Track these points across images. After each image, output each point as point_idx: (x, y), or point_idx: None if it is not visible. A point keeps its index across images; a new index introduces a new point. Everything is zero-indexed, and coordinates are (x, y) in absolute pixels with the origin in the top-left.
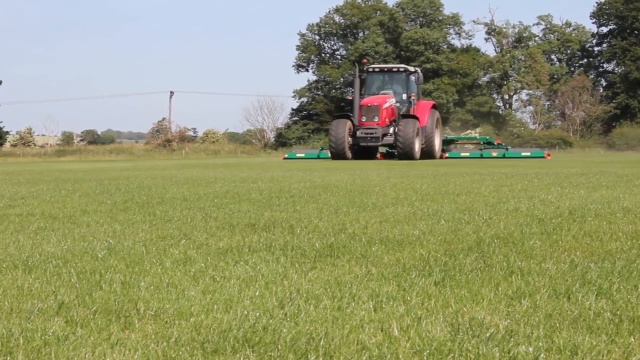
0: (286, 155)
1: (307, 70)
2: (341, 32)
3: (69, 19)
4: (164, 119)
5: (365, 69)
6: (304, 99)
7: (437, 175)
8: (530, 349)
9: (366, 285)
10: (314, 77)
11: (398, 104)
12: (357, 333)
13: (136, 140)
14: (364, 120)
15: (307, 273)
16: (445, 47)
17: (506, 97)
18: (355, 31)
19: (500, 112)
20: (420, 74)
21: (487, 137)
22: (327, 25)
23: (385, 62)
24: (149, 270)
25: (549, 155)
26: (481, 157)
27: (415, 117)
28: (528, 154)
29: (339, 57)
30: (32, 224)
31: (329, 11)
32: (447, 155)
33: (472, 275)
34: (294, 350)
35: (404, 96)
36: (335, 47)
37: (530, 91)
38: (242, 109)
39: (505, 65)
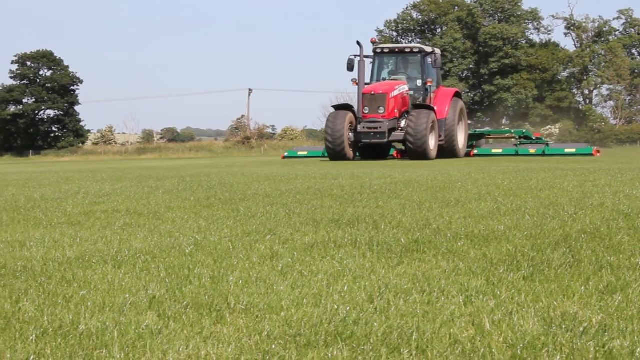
0: (286, 154)
1: None
2: (419, 28)
3: (148, 18)
4: (242, 116)
5: (372, 49)
6: None
7: (518, 170)
8: (626, 344)
9: (455, 279)
10: None
11: (411, 92)
12: (449, 327)
13: (215, 137)
14: (366, 112)
15: (394, 268)
16: (524, 42)
17: (586, 92)
18: (433, 27)
19: (581, 107)
20: (439, 56)
21: (524, 131)
22: (404, 22)
23: (463, 57)
24: (236, 265)
25: (598, 152)
26: (516, 154)
27: (430, 108)
28: (573, 150)
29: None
30: (118, 220)
31: (407, 7)
32: (475, 152)
33: (562, 270)
34: (386, 344)
35: (419, 82)
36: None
37: (611, 86)
38: (321, 106)
39: (585, 60)
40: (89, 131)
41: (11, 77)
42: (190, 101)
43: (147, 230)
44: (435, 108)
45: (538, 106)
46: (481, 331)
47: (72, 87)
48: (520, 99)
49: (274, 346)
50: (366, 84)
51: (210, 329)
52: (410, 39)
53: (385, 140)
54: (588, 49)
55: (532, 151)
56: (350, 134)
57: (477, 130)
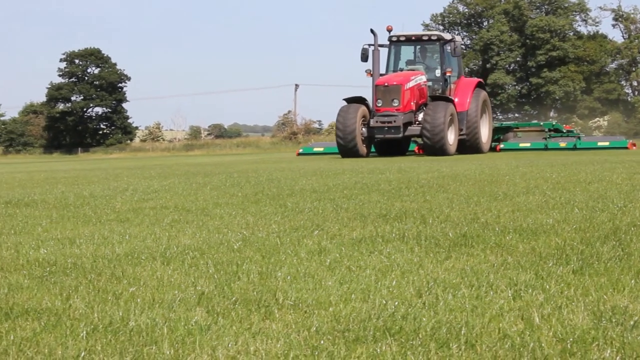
0: (301, 150)
1: None
2: (465, 21)
3: (195, 15)
4: (289, 111)
5: (388, 37)
6: None
7: (566, 163)
8: None
9: (503, 273)
10: None
11: (430, 83)
12: (498, 321)
13: (262, 133)
14: (379, 105)
15: (442, 262)
16: (571, 34)
17: (635, 83)
18: (479, 20)
19: (629, 99)
20: (458, 44)
21: (554, 123)
22: (451, 15)
23: (510, 50)
24: (284, 261)
25: (634, 145)
26: (545, 148)
27: (448, 99)
28: (606, 143)
29: (463, 47)
30: (167, 216)
31: (453, 1)
32: (501, 146)
33: (611, 264)
34: (435, 339)
35: (438, 72)
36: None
37: None
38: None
39: (633, 52)
40: (136, 128)
41: (60, 75)
42: (237, 97)
43: (195, 226)
44: (456, 100)
45: (586, 98)
46: (530, 325)
47: (120, 85)
48: (568, 91)
49: (322, 342)
50: (382, 74)
51: (258, 324)
52: (456, 32)
53: (400, 135)
54: (636, 40)
55: (562, 145)
56: (363, 128)
57: (504, 123)
